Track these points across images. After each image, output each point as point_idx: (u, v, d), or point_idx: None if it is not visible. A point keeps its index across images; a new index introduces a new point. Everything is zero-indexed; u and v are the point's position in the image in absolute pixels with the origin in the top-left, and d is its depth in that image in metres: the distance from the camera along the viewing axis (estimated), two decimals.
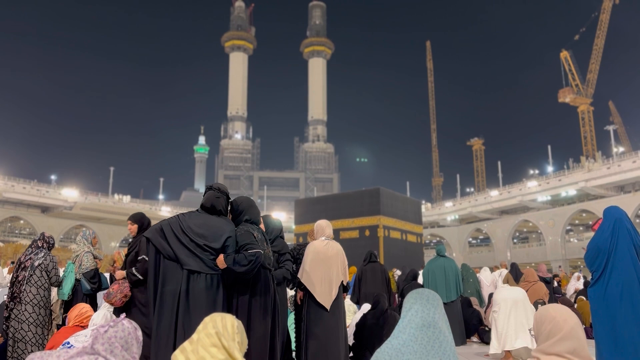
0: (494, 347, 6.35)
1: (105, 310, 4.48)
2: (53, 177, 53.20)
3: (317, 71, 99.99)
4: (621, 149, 54.20)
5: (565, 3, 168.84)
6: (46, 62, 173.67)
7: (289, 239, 34.60)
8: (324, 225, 5.19)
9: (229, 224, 3.73)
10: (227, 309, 3.71)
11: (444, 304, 7.98)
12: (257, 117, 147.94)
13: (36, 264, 5.37)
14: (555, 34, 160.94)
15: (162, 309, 3.39)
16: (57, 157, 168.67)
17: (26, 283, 5.25)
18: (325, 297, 4.79)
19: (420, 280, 9.72)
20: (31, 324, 5.14)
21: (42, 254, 5.50)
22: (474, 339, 8.52)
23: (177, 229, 3.51)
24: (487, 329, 8.39)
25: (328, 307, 4.76)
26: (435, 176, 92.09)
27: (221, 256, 3.48)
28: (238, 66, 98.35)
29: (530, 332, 6.09)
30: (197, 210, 3.80)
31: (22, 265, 5.39)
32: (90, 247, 5.95)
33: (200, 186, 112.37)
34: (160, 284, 3.42)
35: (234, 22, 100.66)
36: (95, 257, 5.88)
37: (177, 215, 3.67)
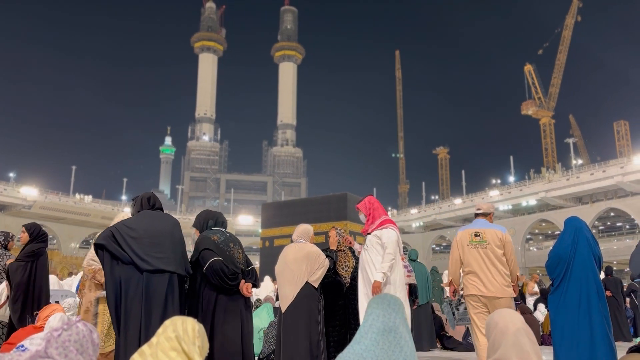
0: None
1: (62, 312, 4.37)
2: (11, 174, 51.45)
3: (287, 75, 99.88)
4: (580, 162, 56.10)
5: (530, 18, 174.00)
6: (4, 56, 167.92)
7: (255, 243, 34.33)
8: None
9: (172, 222, 3.75)
10: (193, 311, 3.67)
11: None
12: (225, 119, 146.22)
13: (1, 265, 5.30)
14: (520, 47, 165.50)
15: (130, 315, 3.31)
16: (16, 154, 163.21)
17: None
18: (282, 299, 4.77)
19: None
20: (4, 326, 5.13)
21: (7, 256, 5.38)
22: (436, 344, 8.61)
23: (127, 234, 3.44)
24: (447, 335, 8.51)
25: (283, 309, 4.71)
26: (402, 183, 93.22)
27: None
28: (207, 67, 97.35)
29: None
30: (138, 211, 3.76)
31: None
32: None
33: (165, 187, 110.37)
34: (123, 291, 3.34)
35: (205, 22, 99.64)
36: None
37: (121, 221, 3.61)
